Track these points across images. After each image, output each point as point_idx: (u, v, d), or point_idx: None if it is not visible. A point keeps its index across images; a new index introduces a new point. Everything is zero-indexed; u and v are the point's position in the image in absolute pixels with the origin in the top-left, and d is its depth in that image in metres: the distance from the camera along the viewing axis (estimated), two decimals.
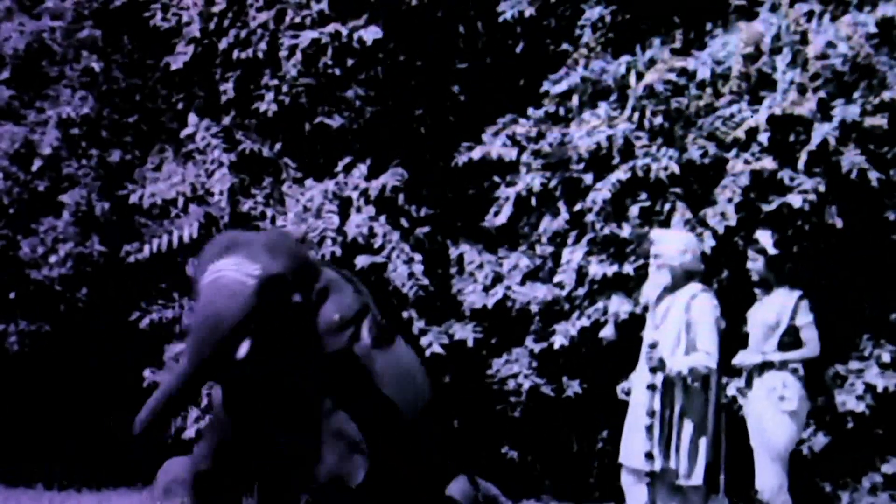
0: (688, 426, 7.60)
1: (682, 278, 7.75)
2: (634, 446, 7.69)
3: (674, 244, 7.85)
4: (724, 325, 8.00)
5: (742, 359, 8.55)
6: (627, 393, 7.81)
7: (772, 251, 8.49)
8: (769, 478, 8.28)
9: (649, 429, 7.52)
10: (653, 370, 7.51)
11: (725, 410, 10.52)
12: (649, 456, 7.49)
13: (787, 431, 8.30)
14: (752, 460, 8.69)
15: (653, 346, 7.56)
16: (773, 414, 8.29)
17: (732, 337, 10.27)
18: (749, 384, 8.50)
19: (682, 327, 7.63)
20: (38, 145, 12.31)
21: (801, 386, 8.36)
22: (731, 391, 10.70)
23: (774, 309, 8.43)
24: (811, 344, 8.46)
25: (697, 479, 7.71)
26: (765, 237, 8.57)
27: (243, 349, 7.06)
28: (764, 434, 8.31)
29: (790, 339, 8.40)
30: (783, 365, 8.38)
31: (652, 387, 7.51)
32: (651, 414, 7.51)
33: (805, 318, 8.44)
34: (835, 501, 11.00)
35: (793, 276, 8.52)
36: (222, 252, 7.19)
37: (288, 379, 7.39)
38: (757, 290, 8.72)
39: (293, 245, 7.62)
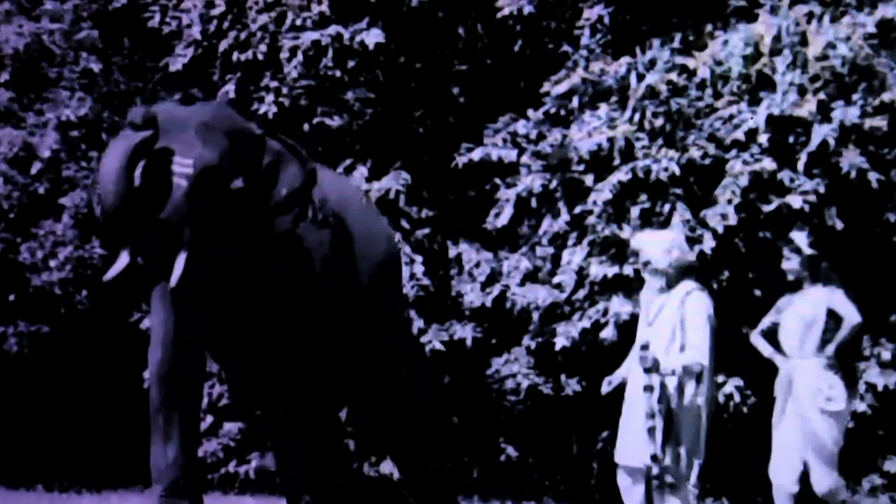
0: (684, 425, 7.59)
1: (675, 277, 7.72)
2: (632, 446, 7.67)
3: (657, 246, 7.80)
4: (715, 323, 7.97)
5: (789, 364, 8.55)
6: (620, 390, 7.75)
7: (807, 251, 8.50)
8: (825, 479, 8.29)
9: (651, 431, 7.50)
10: (647, 370, 7.48)
11: (722, 409, 10.58)
12: (654, 458, 7.47)
13: (836, 431, 8.32)
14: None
15: (645, 347, 7.53)
16: (820, 415, 8.30)
17: (732, 336, 10.30)
18: (790, 386, 8.48)
19: (676, 324, 7.60)
20: (38, 148, 12.30)
21: (844, 385, 8.37)
22: (728, 389, 10.76)
23: (810, 307, 8.42)
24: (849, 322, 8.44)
25: (693, 477, 7.70)
26: (800, 237, 8.59)
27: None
28: (815, 437, 8.31)
29: (830, 335, 8.40)
30: (831, 363, 8.39)
31: (649, 388, 7.49)
32: (651, 415, 7.49)
33: (849, 310, 8.42)
34: None
35: (827, 274, 8.52)
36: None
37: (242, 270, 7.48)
38: (784, 296, 8.68)
39: (232, 121, 7.55)
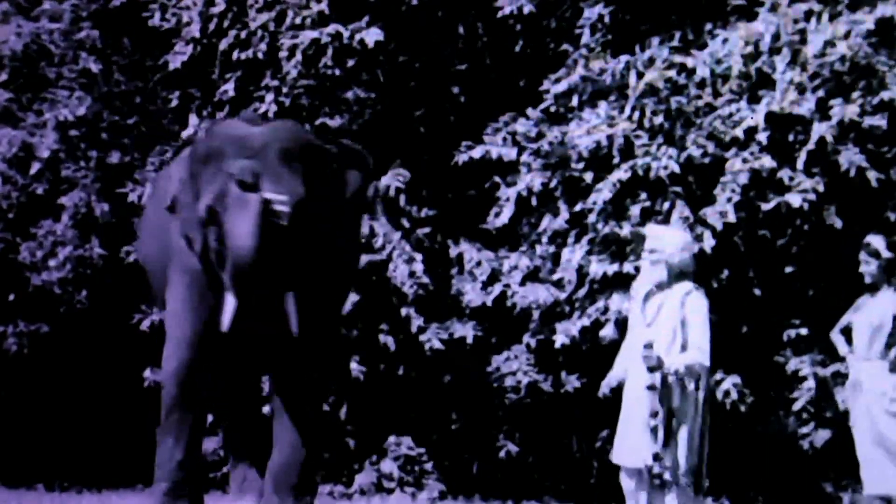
0: (684, 424, 7.58)
1: (675, 276, 7.71)
2: (633, 446, 7.65)
3: (673, 241, 7.78)
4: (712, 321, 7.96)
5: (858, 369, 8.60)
6: (618, 391, 7.73)
7: (886, 254, 8.56)
8: (893, 479, 8.34)
9: (654, 430, 7.49)
10: (651, 369, 7.47)
11: (720, 407, 10.59)
12: (657, 457, 7.46)
13: None
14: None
15: (649, 345, 7.51)
16: (887, 417, 8.37)
17: (730, 336, 10.32)
18: (857, 387, 8.55)
19: (677, 325, 7.58)
20: (37, 148, 12.28)
21: None
22: (726, 386, 10.76)
23: (879, 310, 8.50)
24: None
25: (692, 477, 7.69)
26: (878, 241, 8.64)
27: None
28: (883, 438, 8.37)
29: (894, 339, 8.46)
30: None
31: (652, 387, 7.48)
32: (654, 415, 7.49)
33: None
34: (836, 502, 11.03)
35: None
36: None
37: None
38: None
39: (302, 138, 7.62)
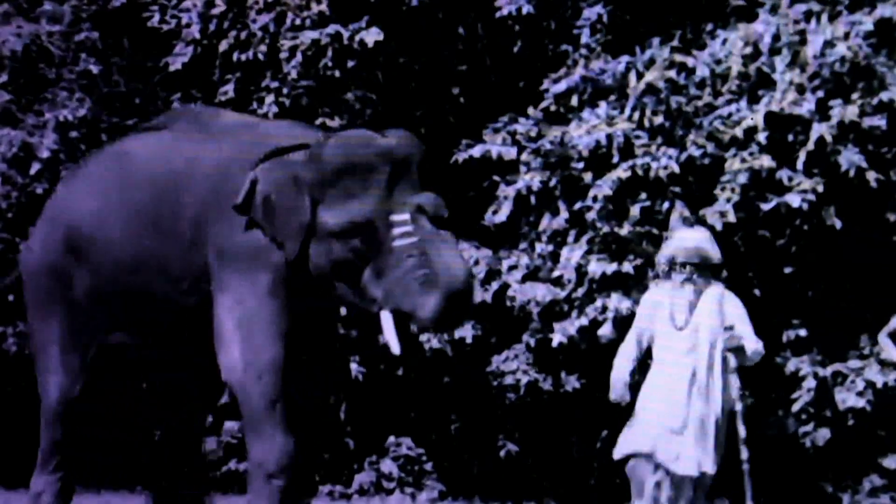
0: (723, 416, 7.42)
1: (709, 276, 7.50)
2: (690, 455, 7.34)
3: (710, 242, 7.58)
4: None
5: None
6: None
7: None
8: None
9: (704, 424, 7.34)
10: (733, 351, 7.28)
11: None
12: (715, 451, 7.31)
13: None
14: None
15: (730, 328, 7.32)
16: None
17: None
18: None
19: (716, 325, 7.39)
20: (37, 148, 12.29)
21: None
22: None
23: None
24: None
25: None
26: None
27: None
28: None
29: None
30: None
31: (735, 370, 7.28)
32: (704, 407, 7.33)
33: None
34: (836, 502, 11.04)
35: None
36: None
37: None
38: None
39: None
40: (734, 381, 7.31)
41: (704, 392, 7.25)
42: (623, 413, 8.02)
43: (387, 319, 7.06)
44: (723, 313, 7.40)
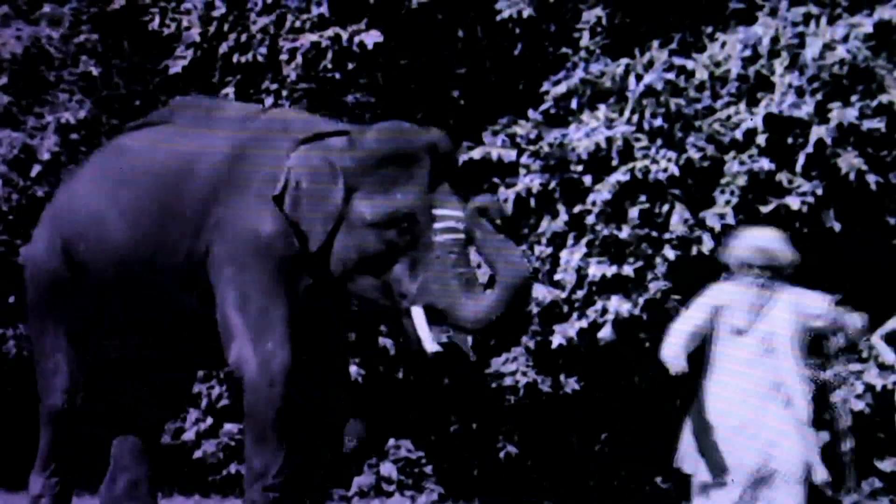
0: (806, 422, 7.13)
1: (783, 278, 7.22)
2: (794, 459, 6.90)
3: (780, 243, 7.29)
4: None
5: None
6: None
7: None
8: None
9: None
10: (856, 334, 7.02)
11: None
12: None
13: None
14: None
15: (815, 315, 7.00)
16: None
17: None
18: None
19: (792, 332, 7.10)
20: (37, 151, 12.30)
21: None
22: None
23: None
24: None
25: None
26: None
27: None
28: None
29: None
30: None
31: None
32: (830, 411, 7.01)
33: None
34: (836, 503, 11.04)
35: None
36: None
37: None
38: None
39: None
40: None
41: (783, 398, 6.82)
42: (624, 413, 8.05)
43: (419, 316, 6.89)
44: (797, 319, 6.95)
